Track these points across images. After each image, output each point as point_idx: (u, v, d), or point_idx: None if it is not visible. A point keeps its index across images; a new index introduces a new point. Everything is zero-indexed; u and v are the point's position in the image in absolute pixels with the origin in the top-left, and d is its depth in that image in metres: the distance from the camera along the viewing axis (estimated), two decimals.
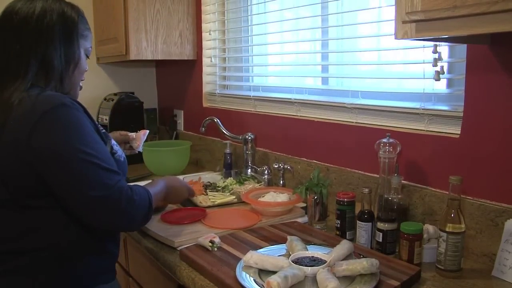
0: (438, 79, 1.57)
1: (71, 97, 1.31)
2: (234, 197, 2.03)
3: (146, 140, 1.92)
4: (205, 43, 2.86)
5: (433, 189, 1.60)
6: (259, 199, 1.92)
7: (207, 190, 2.11)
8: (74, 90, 1.42)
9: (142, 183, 1.81)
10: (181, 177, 2.24)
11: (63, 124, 1.21)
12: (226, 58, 2.81)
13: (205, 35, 2.85)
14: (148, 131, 1.84)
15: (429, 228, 1.50)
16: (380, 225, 1.49)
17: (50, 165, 1.19)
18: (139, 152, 1.89)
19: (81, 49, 1.38)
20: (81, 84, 1.45)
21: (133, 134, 1.83)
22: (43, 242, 1.26)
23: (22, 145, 1.18)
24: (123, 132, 1.88)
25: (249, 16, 2.60)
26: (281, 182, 2.18)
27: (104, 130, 1.45)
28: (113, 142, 1.46)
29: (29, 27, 1.29)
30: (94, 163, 1.21)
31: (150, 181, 1.84)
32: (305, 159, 2.12)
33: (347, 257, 1.37)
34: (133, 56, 2.70)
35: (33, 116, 1.18)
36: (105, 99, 3.06)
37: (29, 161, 1.19)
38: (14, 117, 1.20)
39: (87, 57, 1.43)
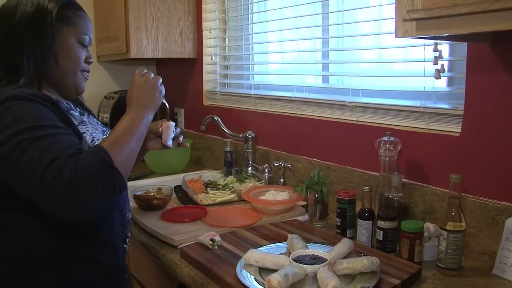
0: (438, 77, 1.57)
1: (53, 94, 1.26)
2: (234, 195, 2.03)
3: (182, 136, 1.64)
4: (206, 42, 2.86)
5: (433, 187, 1.60)
6: (260, 197, 1.92)
7: (208, 189, 2.11)
8: (71, 80, 1.35)
9: (144, 181, 1.80)
10: (181, 175, 2.25)
11: (5, 117, 1.11)
12: (227, 56, 2.81)
13: (205, 33, 2.85)
14: (172, 123, 1.56)
15: (430, 226, 1.50)
16: (380, 223, 1.50)
17: (1, 165, 1.11)
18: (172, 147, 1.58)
19: (69, 36, 1.31)
20: (85, 75, 1.39)
21: (160, 128, 1.55)
22: (15, 247, 1.20)
23: None
24: (163, 120, 1.58)
25: (249, 15, 2.60)
26: (282, 181, 2.18)
27: (88, 131, 1.36)
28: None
29: (1, 23, 1.27)
30: (34, 151, 1.07)
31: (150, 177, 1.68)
32: (306, 158, 2.12)
33: (347, 256, 1.37)
34: (133, 54, 2.70)
35: None
36: (105, 97, 3.06)
37: None
38: None
39: (83, 45, 1.35)
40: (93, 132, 1.38)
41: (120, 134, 1.22)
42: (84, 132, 1.32)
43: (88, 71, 1.40)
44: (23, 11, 1.27)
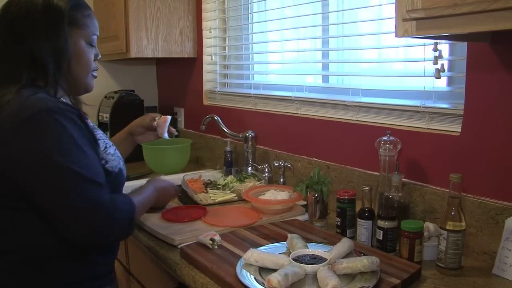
0: (438, 77, 1.57)
1: (65, 98, 1.27)
2: (234, 195, 2.03)
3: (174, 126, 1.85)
4: (206, 41, 2.86)
5: (433, 187, 1.60)
6: (260, 197, 1.92)
7: (208, 188, 2.11)
8: (82, 82, 1.35)
9: (144, 181, 1.80)
10: (181, 175, 2.24)
11: (42, 132, 1.14)
12: (227, 56, 2.81)
13: (205, 33, 2.85)
14: (169, 117, 1.76)
15: (430, 226, 1.50)
16: (380, 223, 1.50)
17: (27, 174, 1.14)
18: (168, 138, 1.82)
19: (79, 39, 1.30)
20: (95, 74, 1.39)
21: (156, 122, 1.76)
22: (15, 244, 1.21)
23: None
24: (152, 115, 1.82)
25: (249, 14, 2.60)
26: (282, 180, 2.18)
27: (101, 138, 1.37)
28: (110, 151, 1.37)
29: (16, 23, 1.24)
30: (71, 174, 1.14)
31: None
32: (306, 157, 2.12)
33: (347, 255, 1.37)
34: (133, 54, 2.70)
35: (14, 121, 1.13)
36: (105, 97, 3.06)
37: (3, 166, 1.14)
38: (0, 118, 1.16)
39: (92, 45, 1.35)
40: (104, 139, 1.39)
41: (145, 204, 1.49)
42: (98, 139, 1.33)
43: (96, 69, 1.40)
44: (36, 12, 1.24)
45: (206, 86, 2.89)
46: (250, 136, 2.36)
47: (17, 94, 1.18)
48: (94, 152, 1.25)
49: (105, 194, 1.19)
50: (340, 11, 2.06)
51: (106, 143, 1.38)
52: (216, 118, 2.48)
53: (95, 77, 1.40)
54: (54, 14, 1.25)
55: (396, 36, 1.22)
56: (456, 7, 1.02)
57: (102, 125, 2.90)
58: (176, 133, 1.81)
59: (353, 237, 1.62)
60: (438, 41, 1.52)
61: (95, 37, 1.36)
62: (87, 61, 1.33)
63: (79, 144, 1.18)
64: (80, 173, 1.15)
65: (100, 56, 1.40)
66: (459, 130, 1.53)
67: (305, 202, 1.86)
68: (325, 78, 2.20)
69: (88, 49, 1.34)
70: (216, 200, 1.99)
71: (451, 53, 1.62)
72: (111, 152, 1.38)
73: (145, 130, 1.79)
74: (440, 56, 1.55)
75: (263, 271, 1.31)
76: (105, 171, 1.28)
